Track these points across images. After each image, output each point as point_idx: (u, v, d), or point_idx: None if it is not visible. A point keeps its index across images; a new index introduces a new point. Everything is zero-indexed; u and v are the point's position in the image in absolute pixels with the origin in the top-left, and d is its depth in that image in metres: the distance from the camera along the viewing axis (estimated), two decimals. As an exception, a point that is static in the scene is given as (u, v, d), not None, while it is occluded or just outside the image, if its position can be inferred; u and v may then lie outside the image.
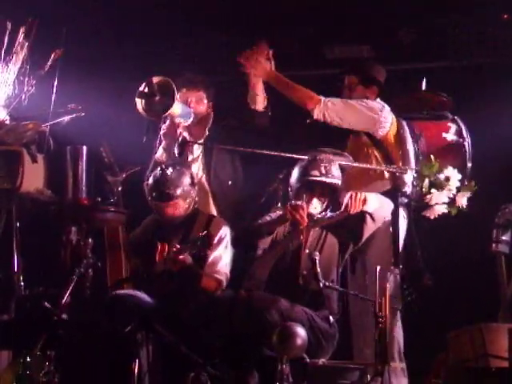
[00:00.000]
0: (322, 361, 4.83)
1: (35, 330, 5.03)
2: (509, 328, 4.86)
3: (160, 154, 5.81)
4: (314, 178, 5.15)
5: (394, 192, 5.44)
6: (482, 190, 5.48)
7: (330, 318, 5.01)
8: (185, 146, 5.61)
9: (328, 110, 5.48)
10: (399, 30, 6.79)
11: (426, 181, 5.41)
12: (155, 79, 5.67)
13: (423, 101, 5.77)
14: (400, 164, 5.48)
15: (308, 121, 5.57)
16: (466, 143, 5.63)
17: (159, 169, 5.36)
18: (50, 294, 5.33)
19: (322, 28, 6.87)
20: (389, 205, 5.24)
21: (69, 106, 5.84)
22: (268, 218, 5.25)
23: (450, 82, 6.46)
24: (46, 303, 5.09)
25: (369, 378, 4.69)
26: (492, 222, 5.52)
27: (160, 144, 5.82)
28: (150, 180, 5.36)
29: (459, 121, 5.67)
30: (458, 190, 5.47)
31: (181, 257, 5.05)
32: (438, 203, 5.41)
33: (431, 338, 5.46)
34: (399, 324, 5.41)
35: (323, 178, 5.14)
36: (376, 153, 5.54)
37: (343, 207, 5.08)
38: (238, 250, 5.36)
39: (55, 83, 5.80)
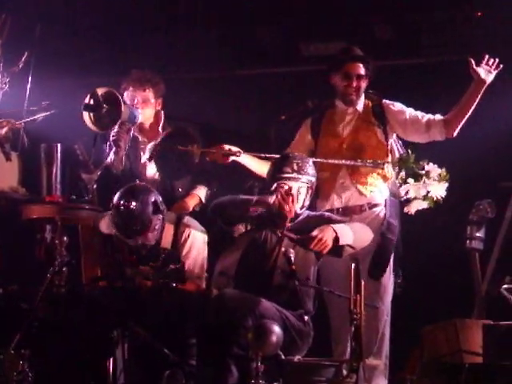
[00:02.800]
0: (297, 358, 4.83)
1: (9, 328, 5.00)
2: (483, 324, 4.90)
3: (111, 159, 5.69)
4: (287, 175, 5.13)
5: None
6: (456, 187, 5.49)
7: (305, 316, 5.00)
8: (154, 151, 5.56)
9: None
10: (375, 27, 6.79)
11: (403, 172, 5.41)
12: (100, 90, 5.62)
13: None
14: None
15: (283, 117, 5.54)
16: None
17: (121, 202, 5.17)
18: (24, 293, 5.30)
19: (297, 25, 6.87)
20: (367, 234, 5.17)
21: (43, 103, 5.81)
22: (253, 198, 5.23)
23: (425, 79, 6.49)
24: (20, 302, 5.06)
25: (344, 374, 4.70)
26: (466, 219, 5.56)
27: (110, 150, 5.69)
28: (113, 211, 5.20)
29: None
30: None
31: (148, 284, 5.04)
32: (418, 197, 5.41)
33: (405, 333, 5.48)
34: (389, 321, 5.43)
35: (295, 175, 5.14)
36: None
37: (306, 239, 5.02)
38: (213, 220, 5.30)
39: (29, 80, 5.77)
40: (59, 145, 5.75)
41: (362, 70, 5.51)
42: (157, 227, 5.23)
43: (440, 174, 5.37)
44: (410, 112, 5.53)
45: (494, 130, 6.23)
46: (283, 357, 4.68)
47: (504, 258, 5.57)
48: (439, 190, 5.39)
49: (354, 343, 4.56)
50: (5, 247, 5.76)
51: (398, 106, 5.58)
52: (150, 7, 6.75)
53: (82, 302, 5.16)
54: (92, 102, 5.63)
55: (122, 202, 5.17)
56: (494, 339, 4.74)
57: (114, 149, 5.67)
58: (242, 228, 5.25)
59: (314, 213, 5.26)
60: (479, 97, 5.32)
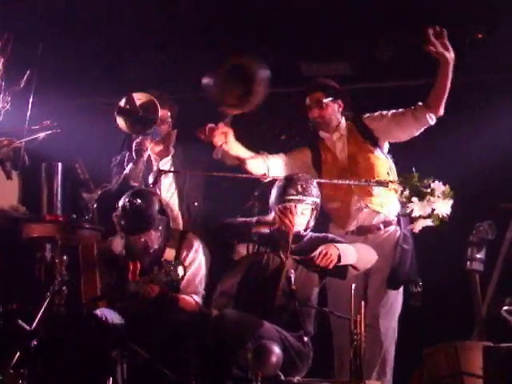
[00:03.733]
0: (297, 379, 4.82)
1: (8, 347, 4.98)
2: (483, 346, 4.88)
3: (129, 169, 5.73)
4: (291, 197, 5.13)
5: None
6: (456, 208, 5.49)
7: (304, 337, 4.99)
8: (159, 176, 5.57)
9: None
10: (376, 48, 6.82)
11: (407, 191, 5.41)
12: (136, 96, 5.64)
13: None
14: None
15: (283, 137, 5.57)
16: None
17: (127, 200, 5.23)
18: (23, 311, 5.29)
19: (298, 45, 6.90)
20: (371, 254, 5.16)
21: (44, 122, 5.82)
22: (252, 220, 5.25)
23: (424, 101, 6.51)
24: (19, 320, 5.05)
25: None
26: (466, 240, 5.56)
27: (130, 160, 5.75)
28: (119, 211, 5.25)
29: None
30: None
31: (154, 291, 5.04)
32: (423, 215, 5.41)
33: (407, 354, 5.47)
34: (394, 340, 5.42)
35: (300, 197, 5.14)
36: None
37: (311, 257, 5.01)
38: (213, 245, 5.33)
39: (31, 99, 5.78)
40: (60, 164, 5.75)
41: (322, 98, 5.55)
42: (160, 228, 5.24)
43: (444, 191, 5.37)
44: (390, 113, 5.55)
45: (493, 151, 6.25)
46: (283, 377, 4.67)
47: (504, 280, 5.57)
48: (444, 207, 5.39)
49: (354, 364, 4.55)
50: (5, 266, 5.75)
51: (376, 114, 5.60)
52: (152, 27, 6.77)
53: (81, 321, 5.15)
54: (128, 106, 5.64)
55: (127, 200, 5.22)
56: (494, 361, 4.71)
57: (134, 159, 5.72)
58: (242, 250, 5.24)
59: (317, 234, 5.25)
60: (451, 74, 5.33)
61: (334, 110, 5.59)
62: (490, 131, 6.26)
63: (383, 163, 5.53)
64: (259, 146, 5.93)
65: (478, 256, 5.55)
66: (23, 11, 6.47)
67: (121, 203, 5.25)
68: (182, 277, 5.04)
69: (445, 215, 5.39)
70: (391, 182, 5.43)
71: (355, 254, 5.04)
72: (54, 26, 6.57)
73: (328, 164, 5.59)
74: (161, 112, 5.68)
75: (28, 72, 5.78)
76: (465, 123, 6.33)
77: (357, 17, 6.66)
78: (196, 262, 5.30)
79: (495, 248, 5.65)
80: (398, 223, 5.48)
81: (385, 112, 5.57)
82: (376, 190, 5.43)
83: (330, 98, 5.57)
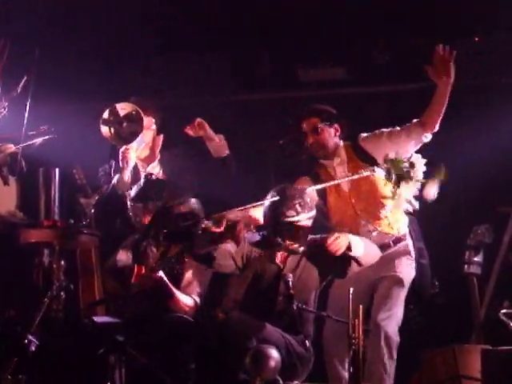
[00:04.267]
0: (295, 383, 4.82)
1: (6, 353, 4.98)
2: (481, 349, 4.89)
3: (117, 179, 5.71)
4: (292, 219, 4.95)
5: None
6: (454, 211, 5.50)
7: (306, 342, 4.98)
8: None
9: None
10: (373, 52, 6.83)
11: (394, 176, 5.35)
12: (120, 106, 5.66)
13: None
14: None
15: (281, 142, 5.54)
16: None
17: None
18: (21, 317, 5.28)
19: (295, 50, 6.91)
20: (376, 252, 5.10)
21: (41, 127, 5.81)
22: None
23: (423, 105, 6.51)
24: (17, 326, 5.04)
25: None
26: (464, 244, 5.57)
27: (117, 170, 5.73)
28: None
29: None
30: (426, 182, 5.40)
31: (156, 274, 5.04)
32: (408, 199, 5.37)
33: (405, 358, 5.46)
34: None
35: (300, 217, 4.97)
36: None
37: (321, 239, 4.95)
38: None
39: (28, 105, 5.78)
40: (57, 169, 5.75)
41: (318, 123, 5.47)
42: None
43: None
44: (386, 133, 5.45)
45: (491, 154, 6.25)
46: (281, 382, 4.66)
47: (502, 283, 5.58)
48: (431, 189, 5.34)
49: (353, 368, 4.54)
50: (2, 271, 5.75)
51: (372, 134, 5.51)
52: (150, 33, 6.78)
53: (79, 326, 5.15)
54: (111, 117, 5.67)
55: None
56: (492, 364, 4.71)
57: (120, 168, 5.71)
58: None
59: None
60: (448, 95, 5.23)
61: (330, 135, 5.49)
62: (489, 134, 6.27)
63: (386, 184, 5.45)
64: (257, 151, 5.96)
65: (475, 259, 5.56)
66: (20, 17, 6.48)
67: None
68: (182, 270, 5.05)
69: (433, 196, 5.32)
70: (377, 168, 5.34)
71: (363, 248, 4.96)
72: (51, 31, 6.58)
73: (332, 192, 5.53)
74: (145, 119, 5.67)
75: (25, 77, 5.77)
76: (463, 126, 6.33)
77: (354, 21, 6.67)
78: (198, 266, 5.30)
79: (493, 251, 5.65)
80: (410, 235, 5.44)
81: (380, 131, 5.47)
82: (383, 212, 5.37)
83: (326, 123, 5.51)
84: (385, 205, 5.34)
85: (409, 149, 5.38)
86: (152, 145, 5.86)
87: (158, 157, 5.84)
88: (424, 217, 5.47)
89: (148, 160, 5.85)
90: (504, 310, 5.24)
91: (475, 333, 5.50)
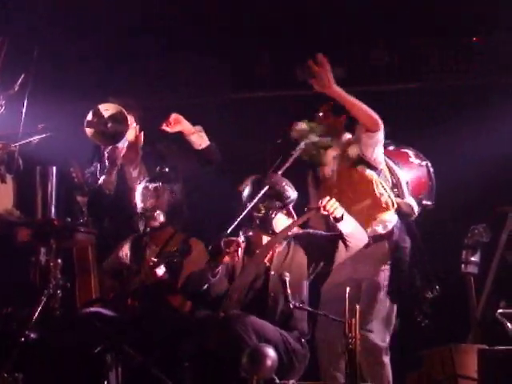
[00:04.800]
0: (292, 382, 4.81)
1: (3, 351, 4.97)
2: (478, 349, 4.89)
3: (103, 180, 5.76)
4: (294, 196, 5.12)
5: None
6: (451, 211, 5.50)
7: (302, 339, 4.99)
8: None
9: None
10: (372, 52, 6.83)
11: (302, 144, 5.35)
12: (103, 107, 5.69)
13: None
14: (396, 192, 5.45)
15: (278, 141, 5.54)
16: (427, 163, 5.57)
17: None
18: (18, 315, 5.28)
19: (293, 49, 6.91)
20: (363, 236, 5.12)
21: (39, 126, 5.81)
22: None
23: (422, 104, 6.52)
24: (14, 325, 5.04)
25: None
26: (461, 243, 5.57)
27: (102, 171, 5.78)
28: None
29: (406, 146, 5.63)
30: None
31: (156, 270, 5.04)
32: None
33: (403, 357, 5.46)
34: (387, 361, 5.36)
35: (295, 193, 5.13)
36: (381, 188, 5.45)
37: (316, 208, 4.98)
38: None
39: (25, 103, 5.77)
40: (54, 167, 5.74)
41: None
42: (166, 196, 5.40)
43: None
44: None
45: (490, 154, 6.25)
46: (277, 381, 4.66)
47: (499, 283, 5.57)
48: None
49: (349, 368, 4.54)
50: (-1, 269, 5.76)
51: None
52: (148, 32, 6.79)
53: (76, 325, 5.14)
54: (95, 119, 5.69)
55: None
56: (489, 364, 4.71)
57: (106, 169, 5.74)
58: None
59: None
60: (349, 98, 5.21)
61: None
62: (488, 134, 6.27)
63: (368, 179, 5.44)
64: (256, 151, 5.97)
65: (472, 259, 5.56)
66: (18, 15, 6.48)
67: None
68: (184, 257, 5.06)
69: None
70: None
71: (353, 225, 5.02)
72: (50, 29, 6.59)
73: (324, 181, 5.56)
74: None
75: (22, 76, 5.77)
76: (462, 126, 6.33)
77: (353, 21, 6.67)
78: (202, 259, 5.29)
79: (490, 251, 5.65)
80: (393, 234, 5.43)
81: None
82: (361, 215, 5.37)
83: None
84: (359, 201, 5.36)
85: (370, 151, 5.36)
86: (134, 142, 5.87)
87: (141, 153, 5.85)
88: (422, 216, 5.47)
89: (130, 157, 5.86)
90: (501, 310, 5.24)
91: (472, 332, 5.50)
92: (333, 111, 5.52)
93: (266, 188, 5.05)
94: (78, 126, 5.72)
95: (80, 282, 5.66)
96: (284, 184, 5.13)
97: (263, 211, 5.10)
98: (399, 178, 5.48)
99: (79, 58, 6.92)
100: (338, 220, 4.95)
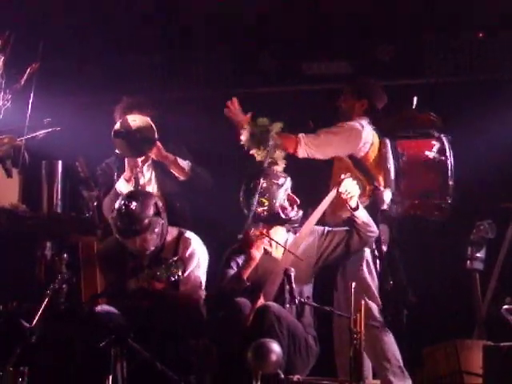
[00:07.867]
0: (296, 377, 4.82)
1: (8, 345, 4.98)
2: (483, 345, 4.88)
3: (121, 184, 5.71)
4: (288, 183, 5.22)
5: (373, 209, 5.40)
6: (457, 207, 5.48)
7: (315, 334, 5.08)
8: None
9: (308, 146, 5.39)
10: (377, 47, 6.82)
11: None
12: (131, 118, 5.61)
13: (411, 119, 5.67)
14: (381, 183, 5.44)
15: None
16: (448, 161, 5.45)
17: (122, 203, 5.19)
18: (23, 309, 5.28)
19: (300, 44, 6.90)
20: (375, 228, 5.19)
21: (45, 120, 5.82)
22: (232, 272, 5.17)
23: (426, 99, 6.50)
24: (19, 318, 5.05)
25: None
26: (467, 239, 5.56)
27: (120, 173, 5.74)
28: (114, 214, 5.21)
29: (444, 139, 5.49)
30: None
31: (157, 285, 5.04)
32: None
33: (407, 353, 5.45)
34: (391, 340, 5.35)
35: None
36: (358, 174, 5.44)
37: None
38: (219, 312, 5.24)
39: (31, 97, 5.78)
40: (60, 162, 5.76)
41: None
42: (156, 231, 5.21)
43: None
44: None
45: (495, 150, 6.24)
46: (282, 376, 4.67)
47: (504, 279, 5.57)
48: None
49: (354, 363, 4.54)
50: (5, 264, 5.75)
51: None
52: (151, 28, 6.79)
53: (81, 319, 5.15)
54: (123, 129, 5.61)
55: (123, 203, 5.18)
56: (494, 360, 4.71)
57: (124, 174, 5.70)
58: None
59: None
60: None
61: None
62: (492, 130, 6.26)
63: (341, 164, 5.49)
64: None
65: (478, 255, 5.55)
66: (24, 9, 6.48)
67: (116, 205, 5.20)
68: (182, 273, 5.04)
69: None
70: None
71: (366, 217, 5.14)
72: (56, 23, 6.59)
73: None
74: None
75: (28, 70, 5.78)
76: (467, 122, 6.32)
77: (358, 16, 6.66)
78: (195, 257, 5.29)
79: (495, 247, 5.64)
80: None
81: None
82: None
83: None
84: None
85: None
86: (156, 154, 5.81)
87: (152, 155, 5.78)
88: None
89: (145, 157, 5.83)
90: (506, 306, 5.23)
91: (477, 328, 5.50)
92: (354, 94, 5.54)
93: (262, 183, 5.15)
94: (83, 121, 5.72)
95: (85, 277, 5.68)
96: (275, 173, 5.24)
97: (266, 203, 5.14)
98: (389, 168, 5.44)
99: (86, 51, 6.91)
100: (354, 209, 5.07)
